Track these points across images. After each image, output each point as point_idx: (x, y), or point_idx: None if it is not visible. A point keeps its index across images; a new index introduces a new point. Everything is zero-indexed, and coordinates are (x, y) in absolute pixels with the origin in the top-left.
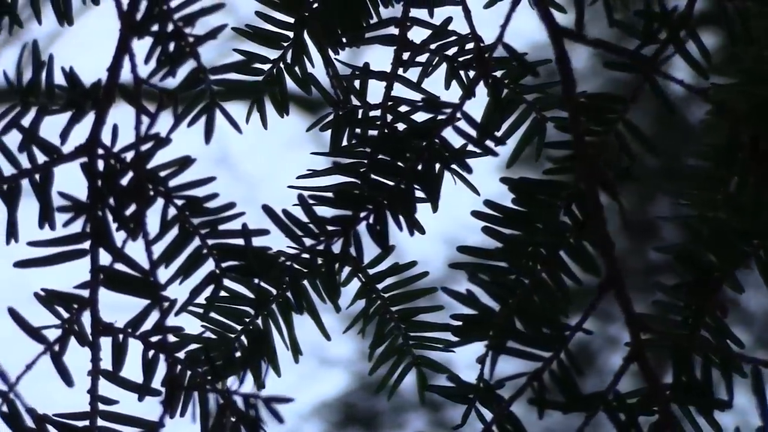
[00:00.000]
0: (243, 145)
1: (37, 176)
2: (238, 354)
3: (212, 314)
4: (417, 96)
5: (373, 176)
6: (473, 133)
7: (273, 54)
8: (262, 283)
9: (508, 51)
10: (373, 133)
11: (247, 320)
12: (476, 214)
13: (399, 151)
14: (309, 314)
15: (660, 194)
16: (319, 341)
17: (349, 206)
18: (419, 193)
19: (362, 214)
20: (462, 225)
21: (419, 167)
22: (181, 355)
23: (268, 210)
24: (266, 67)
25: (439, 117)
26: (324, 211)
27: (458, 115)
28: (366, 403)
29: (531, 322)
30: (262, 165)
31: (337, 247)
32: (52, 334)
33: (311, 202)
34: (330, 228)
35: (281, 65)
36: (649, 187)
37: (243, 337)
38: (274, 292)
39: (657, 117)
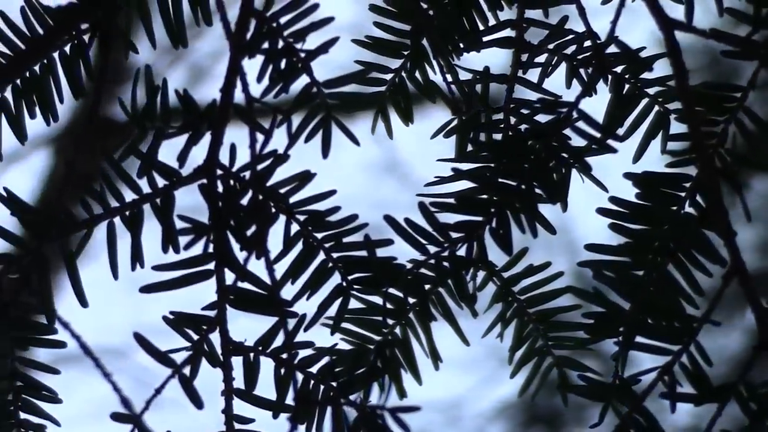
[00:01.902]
0: (412, 151)
1: (158, 200)
2: (377, 364)
3: (349, 326)
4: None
5: (494, 180)
6: (590, 131)
7: (394, 63)
8: (396, 293)
9: (620, 47)
10: (497, 136)
11: (385, 330)
12: (602, 211)
13: (519, 153)
14: (446, 320)
15: None
16: (499, 343)
17: (471, 211)
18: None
19: (485, 219)
20: None
21: (540, 168)
22: (314, 369)
23: (390, 220)
24: (388, 76)
25: (560, 116)
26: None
27: (575, 114)
28: (548, 401)
29: (660, 316)
30: (432, 171)
31: (461, 253)
32: (180, 358)
33: (433, 209)
34: (454, 234)
35: (403, 74)
36: None
37: (382, 348)
38: (411, 300)
39: None
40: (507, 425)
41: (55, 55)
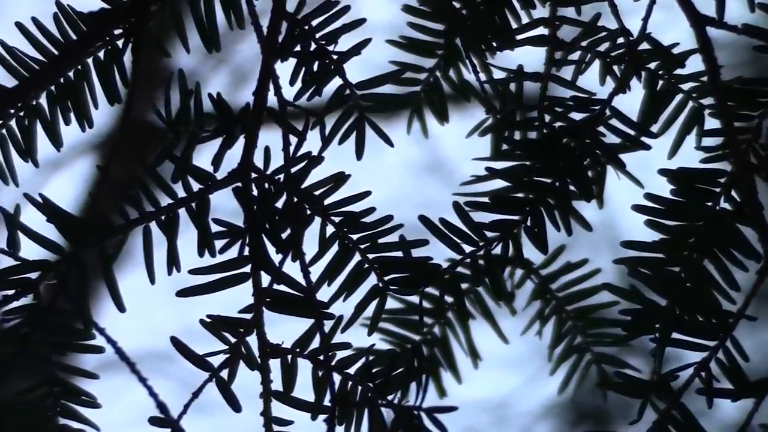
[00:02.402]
0: (455, 151)
1: (193, 204)
2: (415, 364)
3: (388, 326)
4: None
5: (529, 178)
6: (624, 128)
7: (428, 63)
8: (434, 292)
9: (652, 44)
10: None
11: (425, 330)
12: (637, 207)
13: (553, 151)
14: (485, 319)
15: None
16: (545, 342)
17: (506, 210)
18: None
19: (520, 217)
20: None
21: (574, 166)
22: (351, 371)
23: (424, 220)
24: (422, 76)
25: (593, 114)
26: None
27: (607, 111)
28: (595, 399)
29: (696, 312)
30: (474, 170)
31: (496, 252)
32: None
33: (467, 209)
34: (489, 233)
35: (437, 73)
36: None
37: (419, 347)
38: (449, 299)
39: None
40: (555, 423)
41: (90, 61)
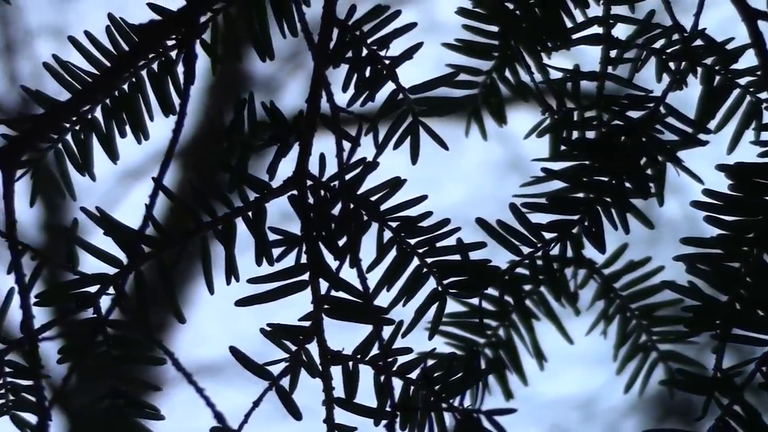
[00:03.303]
0: (536, 149)
1: (250, 213)
2: (478, 366)
3: (452, 330)
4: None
5: (587, 178)
6: (680, 125)
7: (485, 65)
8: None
9: (705, 40)
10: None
11: (489, 332)
12: (696, 204)
13: (611, 150)
14: (549, 319)
15: None
16: None
17: (563, 210)
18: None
19: (578, 217)
20: None
21: (631, 164)
22: (413, 375)
23: (481, 222)
24: (480, 78)
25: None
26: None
27: (662, 108)
28: (681, 394)
29: (756, 307)
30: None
31: (554, 253)
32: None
33: (525, 210)
34: (547, 234)
35: (494, 75)
36: None
37: (486, 350)
38: (512, 301)
39: None
40: (642, 419)
41: (144, 73)
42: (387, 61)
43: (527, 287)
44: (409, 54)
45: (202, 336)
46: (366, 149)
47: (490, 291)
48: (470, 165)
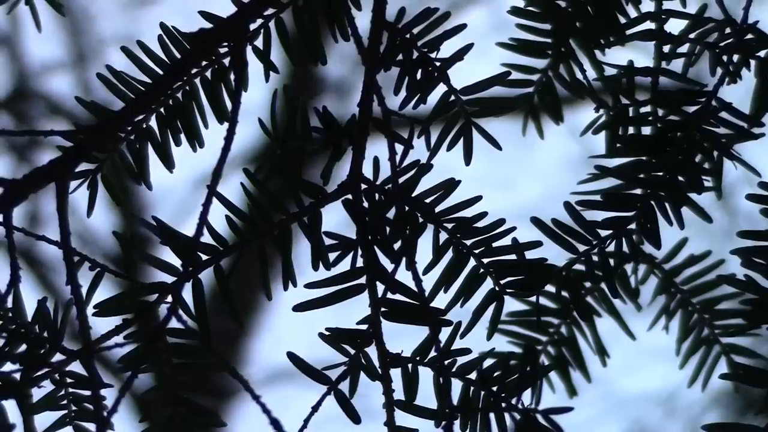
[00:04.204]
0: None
1: (305, 218)
2: (538, 365)
3: (515, 329)
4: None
5: (644, 174)
6: (730, 118)
7: (540, 64)
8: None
9: (756, 34)
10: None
11: (551, 330)
12: (751, 197)
13: (664, 146)
14: (611, 316)
15: None
16: None
17: (618, 207)
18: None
19: (633, 213)
20: None
21: (686, 159)
22: (473, 376)
23: (536, 221)
24: (535, 77)
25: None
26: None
27: (713, 102)
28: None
29: None
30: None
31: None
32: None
33: (579, 208)
34: (602, 231)
35: (549, 73)
36: None
37: (549, 347)
38: (570, 298)
39: None
40: (723, 413)
41: (197, 81)
42: (438, 63)
43: (587, 284)
44: (460, 56)
45: (282, 341)
46: (419, 152)
47: (551, 288)
48: (547, 163)
